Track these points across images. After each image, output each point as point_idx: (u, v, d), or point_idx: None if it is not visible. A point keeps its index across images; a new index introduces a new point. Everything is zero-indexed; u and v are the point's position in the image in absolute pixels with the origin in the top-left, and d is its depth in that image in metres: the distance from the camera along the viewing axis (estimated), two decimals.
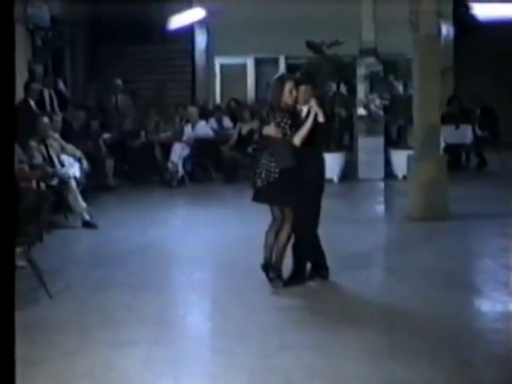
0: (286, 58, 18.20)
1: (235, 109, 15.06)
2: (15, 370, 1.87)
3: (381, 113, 14.30)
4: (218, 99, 17.68)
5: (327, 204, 12.37)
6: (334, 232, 9.39)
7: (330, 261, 7.76)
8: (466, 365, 4.85)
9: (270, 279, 6.64)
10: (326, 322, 5.84)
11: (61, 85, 14.21)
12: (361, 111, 14.52)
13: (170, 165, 13.57)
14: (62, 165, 10.06)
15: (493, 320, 5.86)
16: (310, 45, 13.94)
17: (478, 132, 14.86)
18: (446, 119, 14.68)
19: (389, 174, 13.77)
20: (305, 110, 6.78)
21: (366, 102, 14.55)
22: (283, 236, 6.63)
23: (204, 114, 14.69)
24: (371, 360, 4.94)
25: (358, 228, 9.56)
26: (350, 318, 5.89)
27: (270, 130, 6.58)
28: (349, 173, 13.93)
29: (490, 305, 6.33)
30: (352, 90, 14.57)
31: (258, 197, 6.75)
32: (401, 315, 5.97)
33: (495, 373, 4.75)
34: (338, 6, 15.78)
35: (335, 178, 13.67)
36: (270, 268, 6.65)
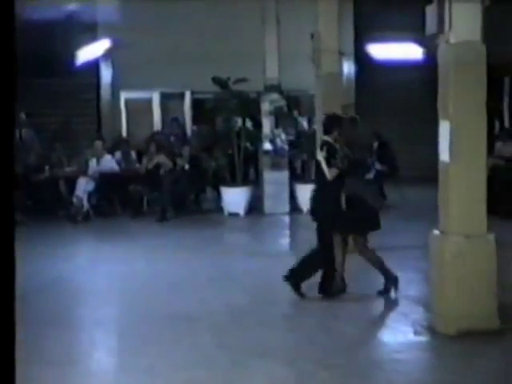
0: (192, 93, 18.34)
1: (152, 140, 14.99)
2: (15, 370, 1.84)
3: (286, 147, 14.59)
4: (124, 133, 17.61)
5: (234, 238, 12.68)
6: (241, 265, 9.53)
7: (237, 294, 7.88)
8: None
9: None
10: (233, 355, 5.89)
11: None
12: (266, 146, 14.77)
13: (74, 199, 13.41)
14: None
15: (393, 351, 6.05)
16: (216, 80, 14.14)
17: (378, 166, 15.32)
18: None
19: (294, 207, 14.01)
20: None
21: (271, 137, 14.83)
22: None
23: (117, 147, 14.73)
24: None
25: (265, 261, 9.70)
26: (258, 351, 5.96)
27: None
28: (255, 207, 14.10)
29: (392, 336, 6.53)
30: (257, 125, 14.83)
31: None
32: (307, 347, 6.09)
33: None
34: (243, 42, 16.10)
35: (241, 212, 13.83)
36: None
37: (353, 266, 9.49)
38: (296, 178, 14.79)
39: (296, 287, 7.57)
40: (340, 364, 5.64)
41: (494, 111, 17.82)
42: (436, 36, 6.14)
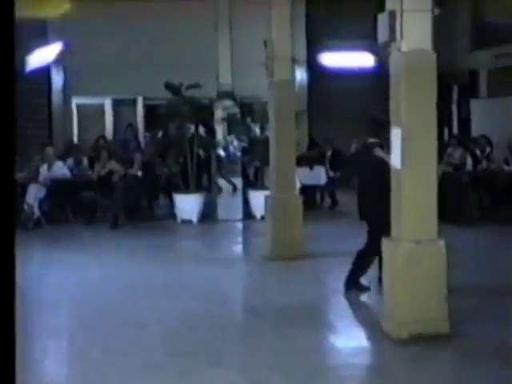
0: (144, 99, 18.26)
1: (102, 146, 14.93)
2: (15, 370, 1.82)
3: (238, 154, 14.61)
4: (75, 139, 17.44)
5: (187, 244, 12.63)
6: (194, 272, 9.50)
7: (190, 300, 7.85)
8: None
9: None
10: (185, 362, 5.86)
11: None
12: (219, 152, 14.78)
13: (25, 206, 13.21)
14: None
15: (347, 356, 6.08)
16: (169, 86, 14.08)
17: (331, 173, 15.46)
18: (301, 161, 15.21)
19: (247, 214, 14.04)
20: None
21: (224, 144, 14.85)
22: None
23: (69, 153, 14.61)
24: None
25: (218, 268, 9.68)
26: (211, 358, 5.95)
27: None
28: (208, 213, 14.08)
29: (344, 341, 6.57)
30: (210, 131, 14.82)
31: None
32: (260, 353, 6.09)
33: None
34: (196, 48, 16.10)
35: (194, 219, 13.79)
36: None
37: (310, 269, 9.59)
38: (249, 184, 14.82)
39: (358, 288, 7.93)
40: (293, 369, 5.65)
41: (443, 119, 18.14)
42: (388, 44, 6.21)
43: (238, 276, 9.52)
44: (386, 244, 6.41)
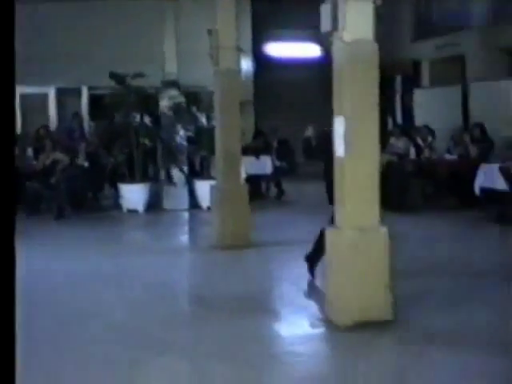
0: (89, 89, 18.05)
1: (44, 136, 14.72)
2: (15, 370, 1.81)
3: (184, 144, 14.56)
4: (19, 129, 17.14)
5: (133, 235, 12.56)
6: (140, 262, 9.46)
7: (136, 291, 7.83)
8: None
9: None
10: (132, 353, 5.84)
11: None
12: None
13: None
14: None
15: (290, 344, 6.13)
16: (113, 76, 13.95)
17: (277, 163, 15.54)
18: (247, 150, 15.23)
19: (193, 204, 14.02)
20: None
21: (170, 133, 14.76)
22: None
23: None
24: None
25: (164, 258, 9.66)
26: (157, 348, 5.94)
27: None
28: (154, 203, 14.02)
29: (289, 329, 6.61)
30: (156, 121, 14.74)
31: None
32: (206, 342, 6.10)
33: None
34: (141, 38, 15.96)
35: (140, 209, 13.72)
36: None
37: (255, 257, 9.64)
38: (195, 174, 14.79)
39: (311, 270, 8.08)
40: (238, 358, 5.68)
41: (387, 108, 18.36)
42: (330, 34, 6.26)
43: (184, 266, 9.51)
44: (329, 232, 6.47)
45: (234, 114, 10.10)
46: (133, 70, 13.61)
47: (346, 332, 6.10)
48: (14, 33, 1.82)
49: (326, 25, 6.25)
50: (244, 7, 19.95)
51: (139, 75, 13.57)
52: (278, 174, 15.55)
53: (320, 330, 6.40)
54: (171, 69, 14.54)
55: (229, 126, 10.08)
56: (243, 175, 14.39)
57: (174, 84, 14.29)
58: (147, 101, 14.23)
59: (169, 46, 14.52)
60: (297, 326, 6.61)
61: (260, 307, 7.20)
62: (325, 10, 6.24)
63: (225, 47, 9.95)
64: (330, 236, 6.44)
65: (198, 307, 7.29)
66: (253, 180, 15.40)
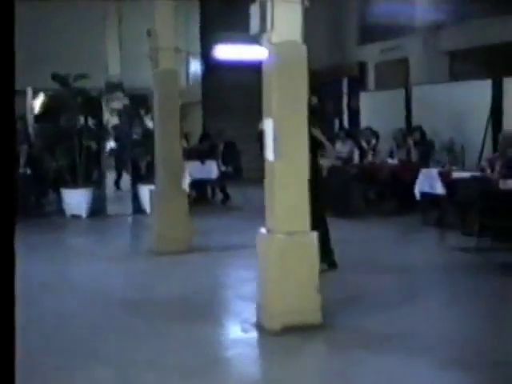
0: (34, 91, 17.76)
1: None
2: (15, 371, 1.77)
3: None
4: None
5: (75, 241, 12.34)
6: (78, 269, 9.30)
7: (69, 299, 7.67)
8: None
9: None
10: (60, 360, 5.70)
11: None
12: (111, 145, 14.51)
13: None
14: None
15: (221, 349, 6.06)
16: (56, 77, 13.74)
17: (222, 167, 15.45)
18: (192, 154, 15.13)
19: (138, 209, 13.85)
20: None
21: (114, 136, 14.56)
22: None
23: None
24: None
25: (103, 264, 9.52)
26: (86, 355, 5.81)
27: None
28: (98, 208, 13.82)
29: (220, 334, 6.54)
30: (100, 123, 14.53)
31: None
32: (136, 349, 5.99)
33: None
34: (84, 39, 15.76)
35: (83, 214, 13.52)
36: None
37: (194, 263, 9.53)
38: (140, 178, 14.58)
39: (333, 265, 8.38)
40: (169, 364, 5.58)
41: (334, 112, 18.43)
42: (259, 35, 6.21)
43: (121, 272, 9.34)
44: (260, 236, 6.41)
45: (174, 117, 9.98)
46: (76, 71, 13.43)
47: (276, 336, 6.04)
48: (13, 33, 1.81)
49: (254, 26, 6.20)
50: (193, 8, 19.87)
51: (82, 77, 13.38)
52: (223, 179, 15.46)
53: (251, 335, 6.33)
54: (114, 71, 14.35)
55: (168, 130, 9.95)
56: (188, 180, 14.31)
57: (118, 86, 14.11)
58: (91, 103, 14.02)
59: (111, 48, 14.34)
60: (229, 331, 6.56)
61: (194, 312, 7.11)
62: (253, 11, 6.18)
63: (164, 48, 9.84)
64: (261, 240, 6.38)
65: (130, 313, 7.14)
66: (198, 185, 15.33)
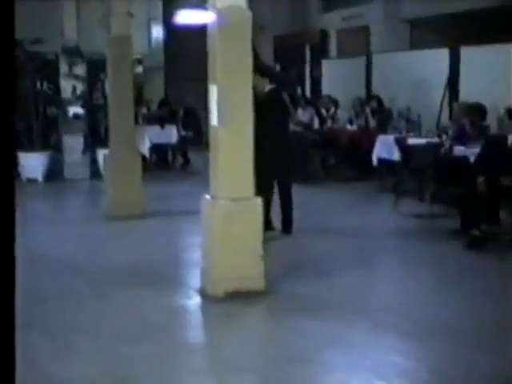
0: None
1: None
2: (15, 371, 1.75)
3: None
4: None
5: (30, 205, 12.21)
6: (30, 234, 9.21)
7: (21, 264, 7.60)
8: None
9: None
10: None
11: None
12: (75, 110, 14.37)
13: None
14: None
15: (162, 314, 6.02)
16: None
17: (182, 132, 15.37)
18: (152, 120, 15.04)
19: (95, 173, 13.74)
20: None
21: (81, 102, 14.42)
22: None
23: None
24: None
25: (56, 229, 9.46)
26: (24, 323, 5.76)
27: None
28: (55, 172, 13.70)
29: (163, 299, 6.44)
30: (57, 87, 14.36)
31: None
32: (73, 315, 5.97)
33: None
34: (39, 3, 15.46)
35: (39, 178, 13.40)
36: None
37: (147, 228, 9.50)
38: (99, 142, 14.44)
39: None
40: (103, 330, 5.57)
41: (296, 79, 18.35)
42: (204, 1, 6.14)
43: (72, 237, 9.28)
44: (204, 202, 6.40)
45: (127, 83, 9.87)
46: (31, 35, 13.20)
47: (219, 303, 6.06)
48: (13, 32, 1.78)
49: None
50: None
51: (38, 41, 13.18)
52: (183, 144, 15.39)
53: (194, 301, 6.35)
54: (71, 34, 14.15)
55: (121, 95, 9.85)
56: (147, 144, 14.24)
57: (75, 50, 13.93)
58: (47, 67, 13.82)
59: (68, 12, 14.12)
60: (173, 298, 6.52)
61: (140, 279, 7.09)
62: None
63: (116, 13, 9.69)
64: (204, 206, 6.37)
65: (76, 278, 7.12)
66: (159, 149, 15.27)
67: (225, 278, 6.17)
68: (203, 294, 6.31)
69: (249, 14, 6.05)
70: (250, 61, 6.09)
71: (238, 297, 6.09)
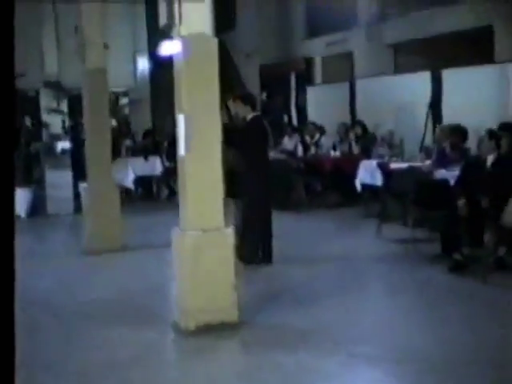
0: None
1: None
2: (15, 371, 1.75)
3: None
4: None
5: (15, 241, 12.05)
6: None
7: None
8: None
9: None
10: None
11: None
12: (64, 145, 14.28)
13: None
14: None
15: (133, 350, 5.84)
16: None
17: (167, 163, 15.25)
18: (137, 151, 14.94)
19: (79, 208, 13.59)
20: None
21: (67, 136, 14.34)
22: None
23: None
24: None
25: (32, 264, 9.26)
26: None
27: None
28: (38, 208, 13.57)
29: (134, 335, 6.26)
30: (38, 123, 14.29)
31: None
32: (41, 351, 5.81)
33: None
34: (20, 39, 15.45)
35: (23, 214, 13.24)
36: None
37: (123, 262, 9.32)
38: (82, 177, 14.31)
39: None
40: (71, 368, 5.43)
41: (283, 107, 18.32)
42: (169, 29, 6.04)
43: (47, 272, 9.10)
44: (174, 234, 6.26)
45: (103, 115, 9.77)
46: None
47: (189, 336, 5.91)
48: (13, 32, 1.77)
49: (163, 19, 6.03)
50: (139, 7, 19.63)
51: (19, 75, 13.10)
52: (168, 175, 15.26)
53: (168, 336, 6.18)
54: (51, 69, 14.07)
55: (97, 126, 9.74)
56: (131, 176, 14.13)
57: (55, 85, 13.87)
58: (28, 102, 13.76)
59: (48, 46, 14.06)
60: (144, 332, 6.33)
61: (114, 314, 6.93)
62: (161, 4, 6.01)
63: (91, 43, 9.60)
64: (174, 238, 6.22)
65: (45, 315, 6.95)
66: (143, 181, 15.15)
67: (196, 311, 6.01)
68: (176, 328, 6.15)
69: (215, 41, 5.95)
70: (216, 88, 5.97)
71: (211, 330, 5.94)
